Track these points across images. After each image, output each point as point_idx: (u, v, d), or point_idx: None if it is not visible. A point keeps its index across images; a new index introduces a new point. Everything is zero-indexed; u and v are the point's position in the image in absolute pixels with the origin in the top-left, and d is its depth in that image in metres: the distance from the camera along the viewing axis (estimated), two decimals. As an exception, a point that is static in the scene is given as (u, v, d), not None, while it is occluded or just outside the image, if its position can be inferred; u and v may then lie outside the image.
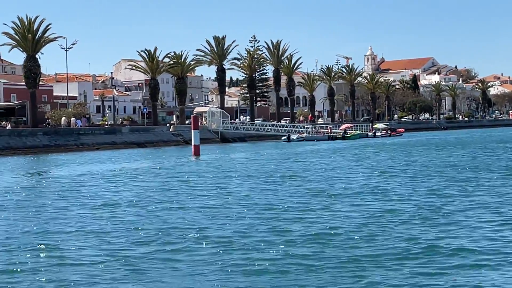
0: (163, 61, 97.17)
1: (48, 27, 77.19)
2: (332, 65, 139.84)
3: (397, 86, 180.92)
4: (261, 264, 12.32)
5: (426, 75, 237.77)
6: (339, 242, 14.31)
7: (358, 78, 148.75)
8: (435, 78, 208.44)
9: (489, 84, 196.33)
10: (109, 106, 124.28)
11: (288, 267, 12.08)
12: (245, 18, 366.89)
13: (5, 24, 76.73)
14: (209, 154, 56.26)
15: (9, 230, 17.09)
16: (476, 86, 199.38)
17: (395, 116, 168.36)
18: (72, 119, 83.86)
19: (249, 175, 32.68)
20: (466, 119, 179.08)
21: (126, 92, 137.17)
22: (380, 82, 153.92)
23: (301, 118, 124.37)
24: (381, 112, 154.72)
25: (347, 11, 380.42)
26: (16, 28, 75.96)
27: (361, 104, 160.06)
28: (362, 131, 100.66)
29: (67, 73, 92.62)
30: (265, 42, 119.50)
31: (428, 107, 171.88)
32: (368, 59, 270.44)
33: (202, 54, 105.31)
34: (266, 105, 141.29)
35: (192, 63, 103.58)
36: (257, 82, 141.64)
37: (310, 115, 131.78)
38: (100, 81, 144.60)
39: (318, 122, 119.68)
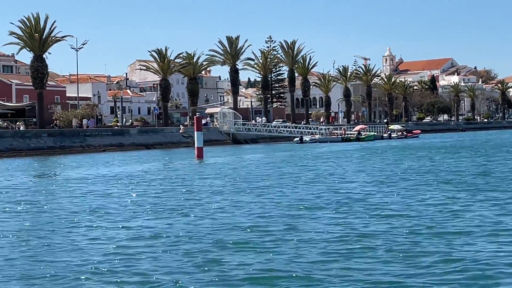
0: (175, 61, 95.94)
1: (54, 26, 75.96)
2: (348, 66, 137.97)
3: (415, 87, 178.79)
4: None
5: (445, 76, 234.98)
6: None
7: (375, 79, 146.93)
8: (454, 79, 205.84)
9: (509, 84, 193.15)
10: (123, 107, 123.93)
11: None
12: (262, 20, 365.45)
13: (12, 23, 75.33)
14: (216, 156, 54.83)
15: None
16: (496, 87, 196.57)
17: (414, 117, 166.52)
18: (84, 120, 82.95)
19: (237, 187, 27.81)
20: (486, 120, 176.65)
21: (141, 93, 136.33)
22: (397, 83, 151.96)
23: (321, 119, 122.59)
24: (398, 113, 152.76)
25: (366, 12, 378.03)
26: (23, 27, 74.80)
27: (378, 105, 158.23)
28: (377, 133, 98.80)
29: (77, 73, 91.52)
30: (280, 42, 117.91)
31: (447, 108, 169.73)
32: (386, 60, 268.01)
33: (215, 54, 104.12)
34: (282, 106, 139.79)
35: (204, 63, 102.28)
36: (273, 82, 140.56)
37: (331, 116, 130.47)
38: (114, 82, 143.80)
39: (334, 124, 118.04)
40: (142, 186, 29.13)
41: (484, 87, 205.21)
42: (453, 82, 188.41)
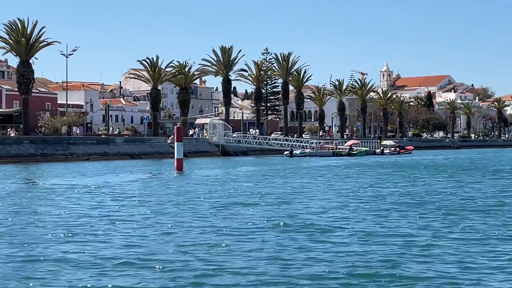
0: (166, 70, 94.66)
1: (43, 31, 74.68)
2: (343, 80, 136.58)
3: (411, 103, 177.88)
4: None
5: (442, 92, 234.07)
6: None
7: (371, 94, 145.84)
8: (451, 96, 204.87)
9: (505, 103, 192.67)
10: (116, 116, 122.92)
11: None
12: (261, 33, 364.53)
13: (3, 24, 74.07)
14: (198, 169, 53.25)
15: None
16: (492, 105, 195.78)
17: (409, 133, 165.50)
18: (74, 128, 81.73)
19: (191, 207, 24.21)
20: (481, 138, 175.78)
21: (134, 102, 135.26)
22: (392, 98, 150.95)
23: (320, 132, 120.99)
24: (392, 129, 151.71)
25: (365, 27, 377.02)
26: (9, 30, 73.40)
27: (373, 120, 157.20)
28: (370, 148, 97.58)
29: (67, 80, 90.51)
30: (275, 54, 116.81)
31: (442, 125, 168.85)
32: (383, 75, 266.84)
33: (208, 64, 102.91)
34: (277, 119, 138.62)
35: (196, 73, 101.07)
36: (268, 95, 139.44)
37: (328, 130, 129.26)
38: (108, 90, 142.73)
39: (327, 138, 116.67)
40: (93, 199, 27.09)
41: (480, 104, 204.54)
42: (450, 99, 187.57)
